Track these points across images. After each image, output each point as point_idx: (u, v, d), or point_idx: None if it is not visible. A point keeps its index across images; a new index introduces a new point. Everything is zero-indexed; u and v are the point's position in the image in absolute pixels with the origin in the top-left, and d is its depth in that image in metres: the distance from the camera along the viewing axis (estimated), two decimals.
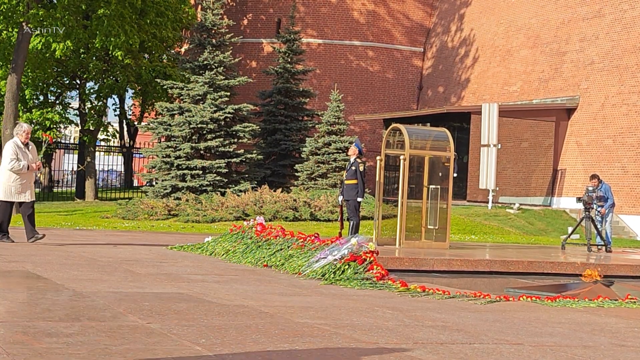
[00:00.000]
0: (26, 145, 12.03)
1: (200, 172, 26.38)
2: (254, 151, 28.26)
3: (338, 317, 6.25)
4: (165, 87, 29.22)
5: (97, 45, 27.85)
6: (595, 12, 29.53)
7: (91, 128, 31.71)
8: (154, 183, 28.17)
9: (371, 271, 9.03)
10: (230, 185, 26.44)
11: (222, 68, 28.10)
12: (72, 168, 42.72)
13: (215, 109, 27.18)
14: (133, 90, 34.34)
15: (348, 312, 6.58)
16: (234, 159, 27.04)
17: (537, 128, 29.77)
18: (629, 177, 26.67)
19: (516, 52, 32.93)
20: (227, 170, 26.82)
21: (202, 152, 27.21)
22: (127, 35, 27.36)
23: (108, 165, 41.34)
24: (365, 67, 37.21)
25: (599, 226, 17.27)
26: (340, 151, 27.93)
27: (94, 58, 31.09)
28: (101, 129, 32.89)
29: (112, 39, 27.06)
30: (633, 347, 5.62)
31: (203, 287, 7.66)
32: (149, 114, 35.21)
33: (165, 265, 9.77)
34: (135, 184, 38.93)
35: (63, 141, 42.46)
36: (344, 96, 31.69)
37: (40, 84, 31.41)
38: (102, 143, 39.57)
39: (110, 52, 28.52)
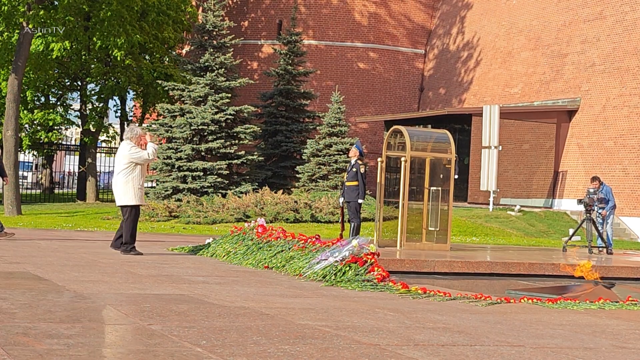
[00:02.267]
0: None
1: (201, 173, 26.38)
2: (255, 153, 28.26)
3: (339, 318, 6.24)
4: (166, 88, 29.23)
5: (96, 46, 27.83)
6: (596, 14, 29.53)
7: (92, 129, 31.71)
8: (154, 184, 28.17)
9: (372, 273, 9.02)
10: (231, 187, 26.44)
11: (223, 69, 28.11)
12: (73, 169, 42.71)
13: (216, 110, 27.19)
14: (134, 92, 34.32)
15: (349, 313, 6.57)
16: (235, 161, 27.05)
17: (538, 130, 29.77)
18: (630, 179, 26.67)
19: (517, 54, 32.93)
20: (228, 172, 26.82)
21: (203, 153, 27.21)
22: (128, 36, 27.35)
23: (109, 166, 41.30)
24: (366, 69, 37.20)
25: (599, 228, 17.25)
26: (341, 153, 27.93)
27: (95, 59, 31.09)
28: (102, 130, 32.88)
29: (111, 39, 27.05)
30: (634, 349, 5.61)
31: (204, 289, 7.66)
32: (150, 116, 35.19)
33: (166, 267, 9.77)
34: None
35: (64, 142, 42.48)
36: (345, 98, 31.68)
37: (41, 85, 31.41)
38: (104, 144, 39.56)
39: (110, 53, 28.51)
